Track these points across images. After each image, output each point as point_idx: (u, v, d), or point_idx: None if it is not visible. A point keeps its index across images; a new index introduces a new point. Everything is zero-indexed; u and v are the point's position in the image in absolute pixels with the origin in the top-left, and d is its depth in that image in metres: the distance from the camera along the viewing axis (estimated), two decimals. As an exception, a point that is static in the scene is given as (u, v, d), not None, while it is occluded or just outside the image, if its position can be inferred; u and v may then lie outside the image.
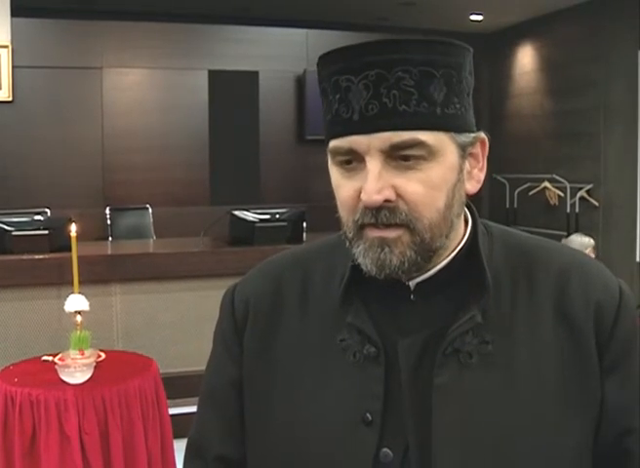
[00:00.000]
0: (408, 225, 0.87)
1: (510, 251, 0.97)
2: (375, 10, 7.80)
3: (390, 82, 0.84)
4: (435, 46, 0.86)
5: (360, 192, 0.86)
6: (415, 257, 0.88)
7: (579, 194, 7.24)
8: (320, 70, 0.91)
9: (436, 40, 0.86)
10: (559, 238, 5.81)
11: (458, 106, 0.87)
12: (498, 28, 8.61)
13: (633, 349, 0.93)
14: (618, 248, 6.87)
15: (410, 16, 7.92)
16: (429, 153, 0.85)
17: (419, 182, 0.86)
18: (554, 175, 7.45)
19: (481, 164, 0.94)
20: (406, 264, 0.88)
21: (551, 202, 7.57)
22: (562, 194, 7.45)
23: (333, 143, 0.89)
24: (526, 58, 8.33)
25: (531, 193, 7.74)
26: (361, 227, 0.88)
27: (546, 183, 7.55)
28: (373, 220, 0.86)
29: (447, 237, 0.91)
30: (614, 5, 6.95)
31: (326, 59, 0.89)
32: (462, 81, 0.88)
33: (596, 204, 7.16)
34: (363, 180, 0.86)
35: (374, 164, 0.85)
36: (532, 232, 1.05)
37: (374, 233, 0.87)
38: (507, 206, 8.16)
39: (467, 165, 0.91)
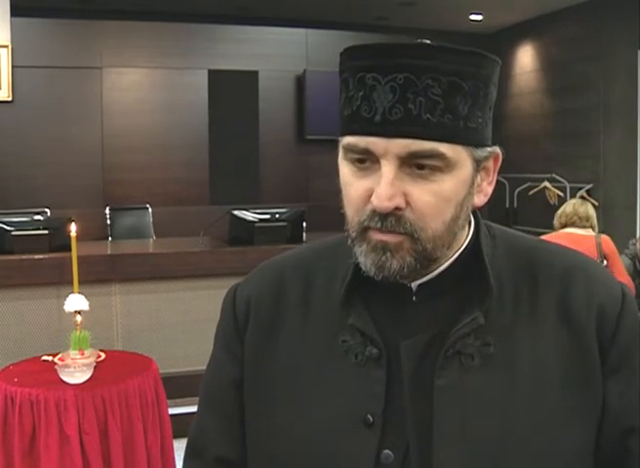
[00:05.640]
0: (412, 234, 0.86)
1: (513, 252, 0.97)
2: (375, 10, 7.80)
3: (418, 88, 0.82)
4: (468, 58, 0.84)
5: (370, 193, 0.85)
6: (414, 264, 0.88)
7: (578, 194, 7.24)
8: (344, 61, 0.88)
9: (470, 51, 0.85)
10: (559, 238, 5.79)
11: (480, 121, 0.86)
12: (497, 28, 8.61)
13: (635, 351, 0.93)
14: (617, 248, 6.86)
15: (410, 16, 7.93)
16: (446, 165, 0.84)
17: (431, 193, 0.85)
18: (554, 175, 7.46)
19: (491, 178, 0.93)
20: (405, 270, 0.88)
21: (551, 202, 7.57)
22: (562, 194, 7.45)
23: (348, 140, 0.87)
24: (526, 58, 8.34)
25: (531, 193, 7.74)
26: (365, 229, 0.88)
27: (546, 183, 7.56)
28: (379, 225, 0.86)
29: (448, 248, 0.90)
30: (614, 5, 6.95)
31: (354, 52, 0.86)
32: (488, 95, 0.87)
33: (596, 204, 7.16)
34: (374, 182, 0.85)
35: (389, 169, 0.84)
36: (531, 232, 1.05)
37: (377, 236, 0.87)
38: (507, 206, 8.16)
39: (479, 178, 0.91)
